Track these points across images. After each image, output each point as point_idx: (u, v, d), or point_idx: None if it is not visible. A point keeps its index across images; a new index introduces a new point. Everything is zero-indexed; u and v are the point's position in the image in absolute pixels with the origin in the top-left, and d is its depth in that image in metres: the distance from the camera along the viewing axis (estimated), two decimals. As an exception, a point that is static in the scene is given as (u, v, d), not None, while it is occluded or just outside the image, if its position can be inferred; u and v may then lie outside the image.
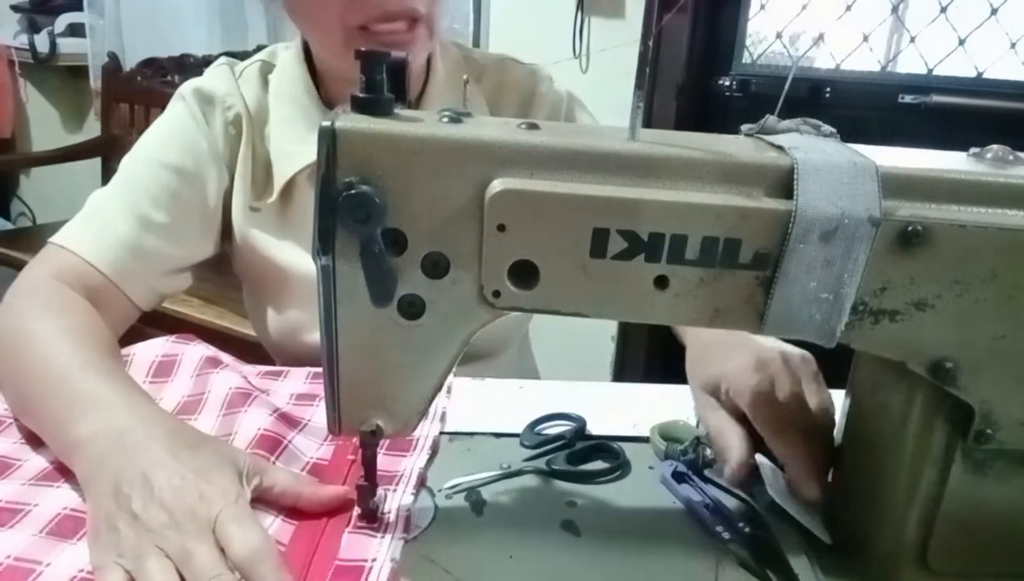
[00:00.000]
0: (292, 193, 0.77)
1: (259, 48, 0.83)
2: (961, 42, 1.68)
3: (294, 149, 0.75)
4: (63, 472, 0.54)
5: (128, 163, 0.75)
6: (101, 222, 0.71)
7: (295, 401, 0.68)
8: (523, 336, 1.00)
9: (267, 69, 0.80)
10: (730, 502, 0.55)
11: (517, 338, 0.95)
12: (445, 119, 0.43)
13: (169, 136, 0.76)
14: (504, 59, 0.85)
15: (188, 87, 0.77)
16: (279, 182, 0.75)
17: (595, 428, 0.65)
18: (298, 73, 0.77)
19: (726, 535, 0.52)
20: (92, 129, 2.43)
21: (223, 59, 0.81)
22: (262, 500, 0.51)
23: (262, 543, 0.44)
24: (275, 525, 0.50)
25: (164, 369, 0.68)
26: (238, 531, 0.44)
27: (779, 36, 1.82)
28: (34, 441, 0.58)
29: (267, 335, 0.86)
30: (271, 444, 0.57)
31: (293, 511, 0.51)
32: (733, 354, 0.58)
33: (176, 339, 0.72)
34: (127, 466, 0.47)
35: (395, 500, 0.53)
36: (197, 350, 0.70)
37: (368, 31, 0.68)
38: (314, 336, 0.80)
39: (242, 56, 0.82)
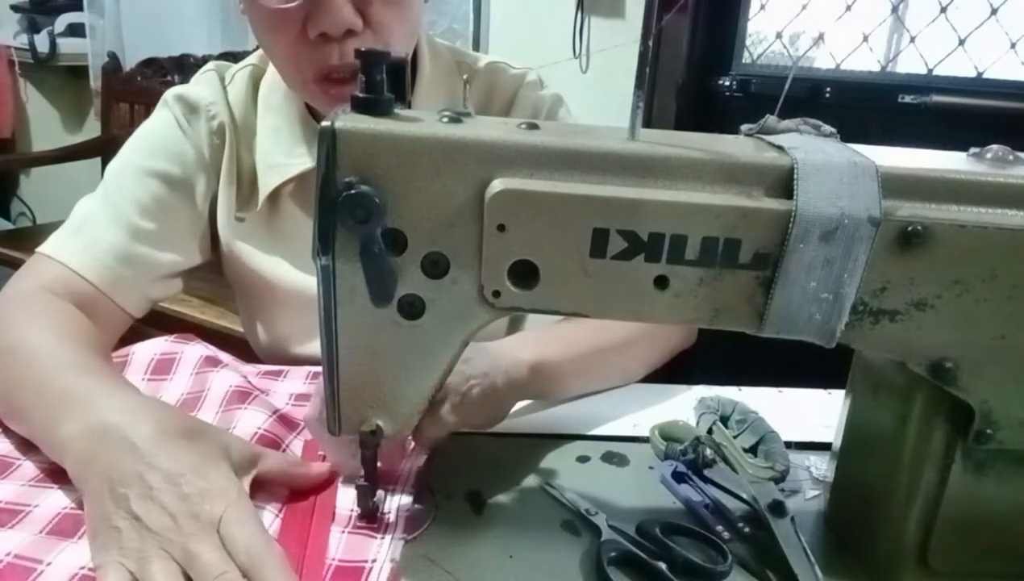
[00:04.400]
0: (279, 205, 0.77)
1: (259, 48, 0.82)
2: (961, 42, 1.68)
3: (280, 161, 0.75)
4: (62, 473, 0.54)
5: (114, 171, 0.74)
6: (89, 232, 0.70)
7: (295, 401, 0.68)
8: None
9: (258, 73, 0.79)
10: (730, 502, 0.55)
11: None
12: (445, 119, 0.43)
13: (155, 143, 0.75)
14: (495, 64, 0.84)
15: (171, 94, 0.76)
16: (263, 193, 0.75)
17: (595, 428, 0.65)
18: (285, 84, 0.76)
19: (726, 535, 0.52)
20: (92, 129, 2.43)
21: (211, 64, 0.80)
22: (254, 487, 0.51)
23: (265, 545, 0.44)
24: (275, 525, 0.50)
25: (163, 367, 0.68)
26: (241, 533, 0.44)
27: (779, 36, 1.82)
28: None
29: (258, 343, 0.86)
30: (269, 445, 0.57)
31: (287, 510, 0.52)
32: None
33: (175, 339, 0.71)
34: (118, 463, 0.47)
35: (395, 500, 0.53)
36: (196, 349, 0.70)
37: (324, 83, 0.68)
38: (303, 348, 0.81)
39: (241, 56, 0.82)
